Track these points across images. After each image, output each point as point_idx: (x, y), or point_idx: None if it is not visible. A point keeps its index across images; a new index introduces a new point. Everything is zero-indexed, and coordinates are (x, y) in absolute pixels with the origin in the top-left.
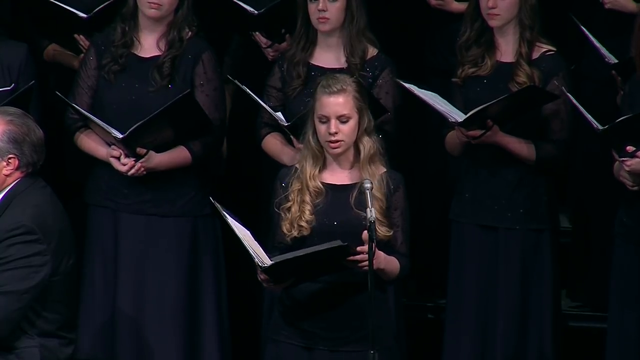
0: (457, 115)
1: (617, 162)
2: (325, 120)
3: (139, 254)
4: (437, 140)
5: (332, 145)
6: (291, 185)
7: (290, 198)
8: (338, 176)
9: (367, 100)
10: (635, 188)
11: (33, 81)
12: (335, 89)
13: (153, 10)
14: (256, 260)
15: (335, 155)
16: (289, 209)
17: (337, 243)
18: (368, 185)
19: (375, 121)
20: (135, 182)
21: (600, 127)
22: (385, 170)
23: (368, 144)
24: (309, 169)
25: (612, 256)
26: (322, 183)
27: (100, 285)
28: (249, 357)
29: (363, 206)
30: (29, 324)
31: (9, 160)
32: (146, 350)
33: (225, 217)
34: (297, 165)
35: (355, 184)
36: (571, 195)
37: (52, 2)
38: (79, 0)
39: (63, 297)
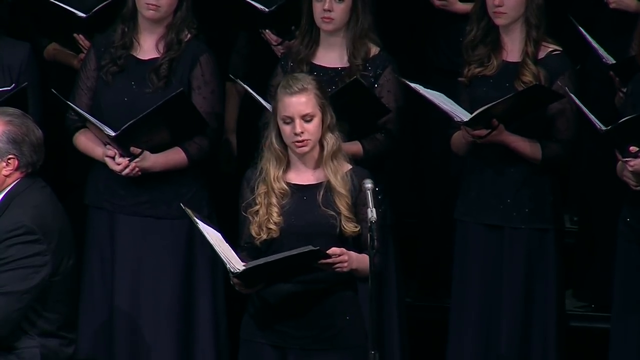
0: (462, 115)
1: (620, 162)
2: (290, 120)
3: (136, 255)
4: (439, 139)
5: (299, 144)
6: (257, 187)
7: (257, 201)
8: (303, 176)
9: (334, 94)
10: (639, 188)
11: (26, 82)
12: (296, 89)
13: (151, 11)
14: (228, 266)
15: (302, 154)
16: (256, 212)
17: (309, 248)
18: (369, 185)
19: (378, 121)
20: (132, 184)
21: (603, 128)
22: (351, 167)
23: (331, 141)
24: (273, 171)
25: (616, 255)
26: (288, 183)
27: (98, 286)
28: None
29: (330, 205)
30: (30, 324)
31: (9, 161)
32: (143, 351)
33: (197, 222)
34: (262, 166)
35: (321, 183)
36: (573, 195)
37: (51, 1)
38: (79, 0)
39: (63, 297)
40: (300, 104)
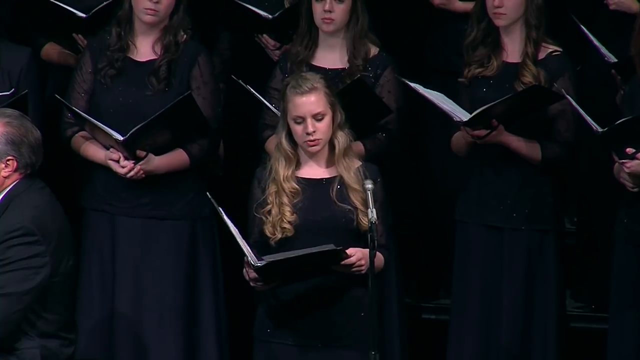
0: (462, 115)
1: (617, 164)
2: (301, 120)
3: (137, 257)
4: (439, 139)
5: (311, 144)
6: (268, 187)
7: (268, 201)
8: (315, 171)
9: (336, 94)
10: (636, 189)
11: (26, 90)
12: (306, 88)
13: (149, 16)
14: (249, 258)
15: (313, 154)
16: (269, 212)
17: (331, 247)
18: (369, 185)
19: (380, 121)
20: (133, 185)
21: (599, 129)
22: (360, 163)
23: (342, 139)
24: (282, 171)
25: (613, 257)
26: (300, 178)
27: (98, 288)
28: (248, 359)
29: (346, 200)
30: (29, 325)
31: (7, 162)
32: (144, 353)
33: (221, 212)
34: (271, 165)
35: (335, 177)
36: (571, 195)
37: (51, 1)
38: (78, 0)
39: (63, 298)
40: (311, 104)
